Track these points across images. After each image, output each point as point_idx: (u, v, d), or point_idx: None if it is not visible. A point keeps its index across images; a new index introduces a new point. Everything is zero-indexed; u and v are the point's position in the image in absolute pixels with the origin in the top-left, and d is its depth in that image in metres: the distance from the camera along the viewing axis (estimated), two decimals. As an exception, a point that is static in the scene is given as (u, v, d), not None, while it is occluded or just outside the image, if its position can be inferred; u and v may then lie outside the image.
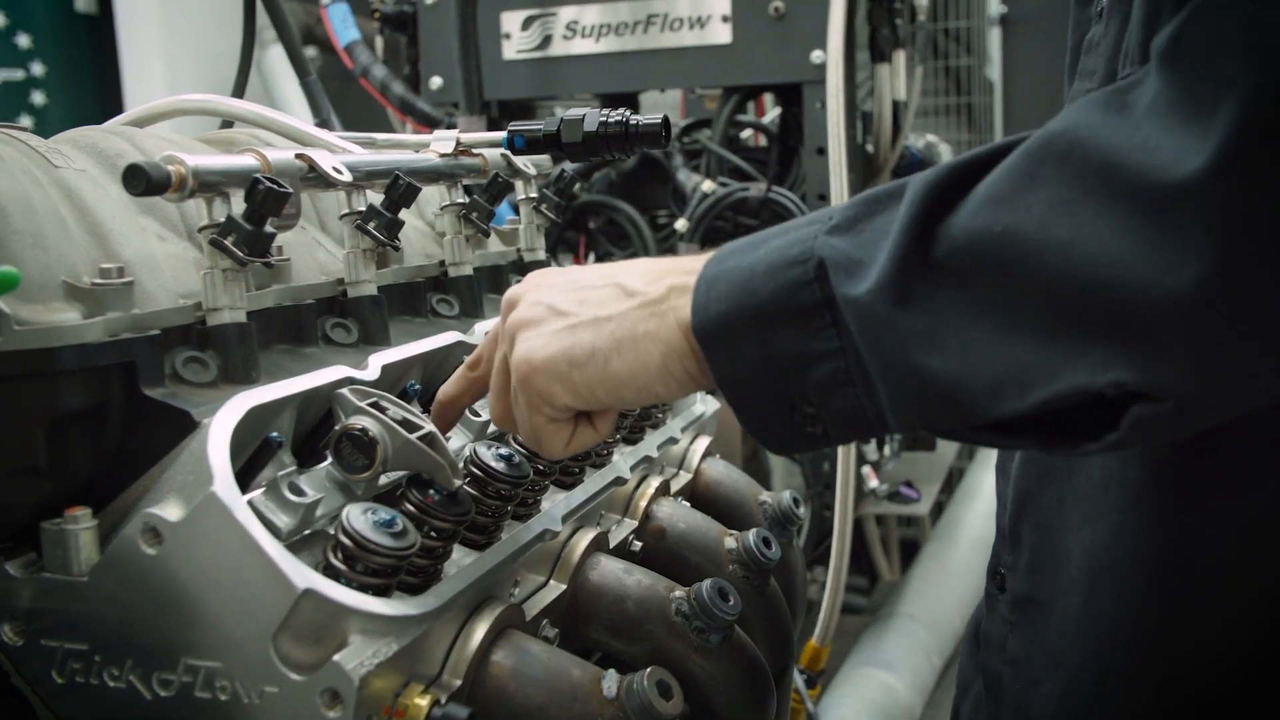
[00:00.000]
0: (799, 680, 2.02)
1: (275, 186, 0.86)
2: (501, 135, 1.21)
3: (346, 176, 0.99)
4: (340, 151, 1.14)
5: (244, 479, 0.83)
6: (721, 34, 2.37)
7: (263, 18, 4.08)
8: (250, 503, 0.81)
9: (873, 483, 2.44)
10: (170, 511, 0.74)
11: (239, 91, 1.73)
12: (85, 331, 0.79)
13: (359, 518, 0.80)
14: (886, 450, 2.51)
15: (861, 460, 2.41)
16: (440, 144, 1.21)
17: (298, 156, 0.96)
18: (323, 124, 1.78)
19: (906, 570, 3.13)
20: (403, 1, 2.67)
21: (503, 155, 1.28)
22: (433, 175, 1.18)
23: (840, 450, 1.99)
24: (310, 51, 4.95)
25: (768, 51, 2.33)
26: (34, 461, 0.80)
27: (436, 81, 2.60)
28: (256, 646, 0.73)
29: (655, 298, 0.78)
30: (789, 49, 2.31)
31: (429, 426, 0.89)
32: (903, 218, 0.67)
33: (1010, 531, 0.99)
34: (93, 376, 0.80)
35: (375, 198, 1.07)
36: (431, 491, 0.88)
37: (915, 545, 3.49)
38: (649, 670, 0.87)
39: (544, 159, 1.44)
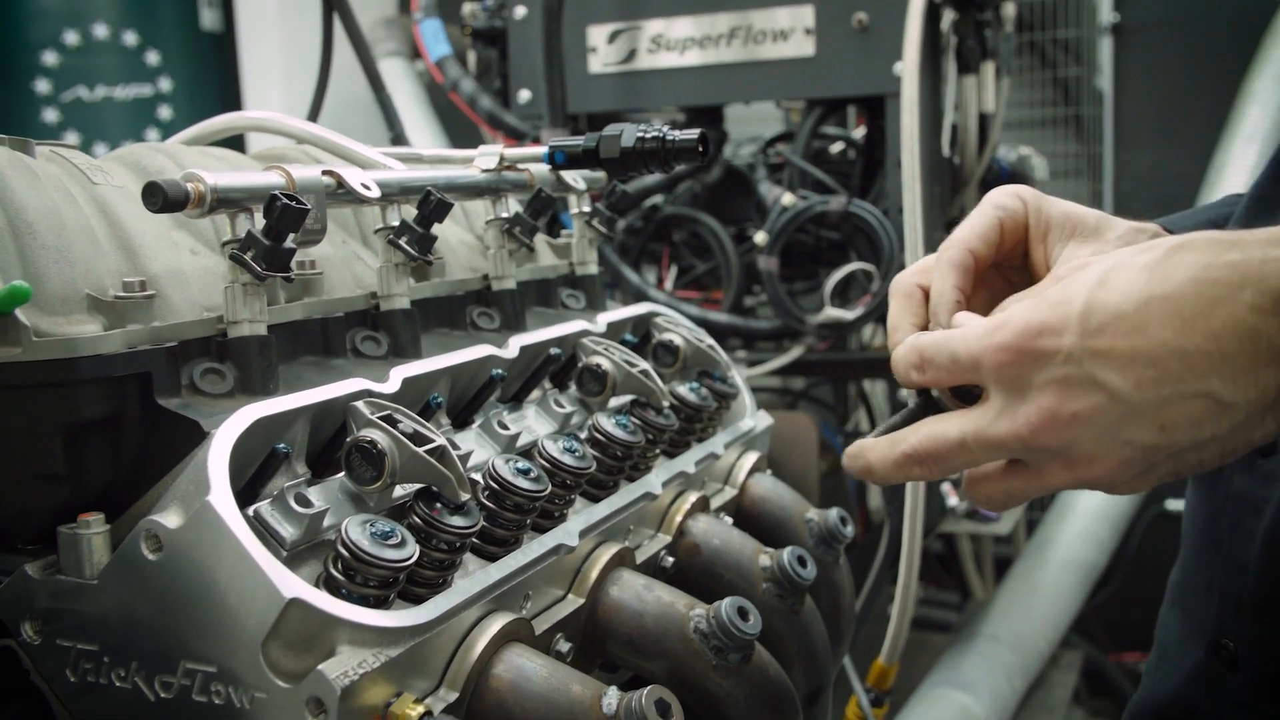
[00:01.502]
0: (864, 699, 1.98)
1: (292, 203, 0.88)
2: (543, 151, 1.22)
3: (375, 193, 1.01)
4: (378, 167, 1.16)
5: (253, 488, 0.85)
6: (805, 46, 2.35)
7: (376, 31, 4.13)
8: (256, 512, 0.83)
9: (952, 500, 2.39)
10: (170, 519, 0.77)
11: (317, 105, 1.78)
12: (102, 343, 0.82)
13: (357, 530, 0.81)
14: (970, 469, 2.45)
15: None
16: (484, 160, 1.23)
17: (325, 173, 0.98)
18: (397, 139, 1.82)
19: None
20: (494, 16, 2.71)
21: (550, 170, 1.29)
22: (474, 190, 1.20)
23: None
24: (419, 65, 5.07)
25: (851, 64, 2.31)
26: (52, 468, 0.83)
27: (525, 95, 2.63)
28: (248, 653, 0.75)
29: (1263, 405, 0.66)
30: (872, 61, 2.27)
31: (439, 440, 0.90)
32: None
33: (1260, 600, 0.89)
34: (109, 387, 0.83)
35: (412, 213, 1.09)
36: (438, 504, 0.89)
37: (1009, 563, 3.41)
38: (649, 689, 0.87)
39: (600, 174, 1.45)
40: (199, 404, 0.87)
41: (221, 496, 0.76)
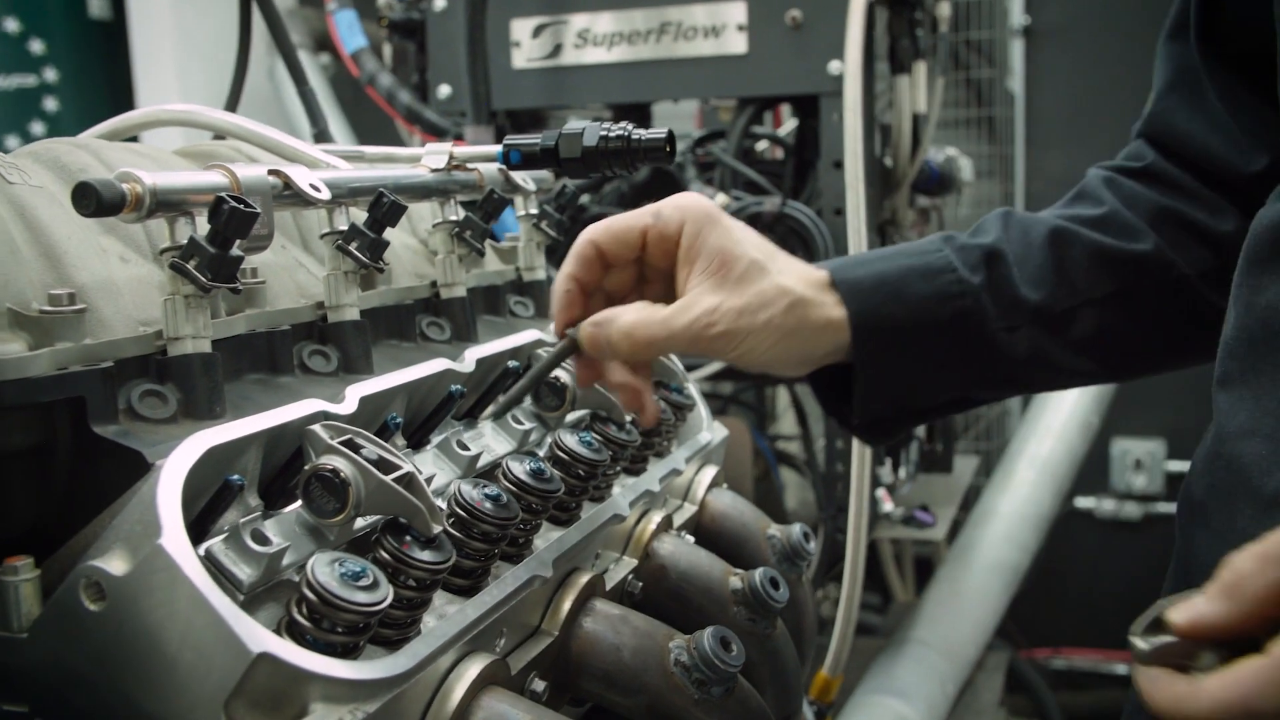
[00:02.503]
0: (808, 712, 1.94)
1: (241, 206, 0.79)
2: (497, 149, 1.14)
3: (325, 194, 0.93)
4: (323, 167, 1.07)
5: (203, 524, 0.76)
6: (737, 43, 2.30)
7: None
8: (209, 552, 0.74)
9: (887, 506, 2.37)
10: (115, 565, 0.68)
11: (233, 100, 1.68)
12: (29, 364, 0.73)
13: (324, 570, 0.73)
14: (902, 473, 2.43)
15: (876, 483, 2.33)
16: (432, 159, 1.15)
17: (271, 172, 0.89)
18: (320, 135, 1.72)
19: (921, 592, 3.05)
20: (411, 8, 2.61)
21: (500, 170, 1.22)
22: (423, 191, 1.12)
23: (854, 472, 1.92)
24: (323, 59, 4.91)
25: (784, 62, 2.26)
26: (-30, 505, 0.73)
27: (445, 90, 2.54)
28: (207, 713, 0.67)
29: None
30: (806, 59, 2.24)
31: (407, 466, 0.82)
32: None
33: None
34: (37, 413, 0.74)
35: (361, 215, 1.01)
36: (408, 538, 0.81)
37: (929, 563, 3.42)
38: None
39: (545, 173, 1.38)
40: (139, 431, 0.78)
41: (175, 538, 0.67)
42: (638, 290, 1.04)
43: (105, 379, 0.77)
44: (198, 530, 0.76)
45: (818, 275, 1.04)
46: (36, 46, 4.74)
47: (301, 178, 0.91)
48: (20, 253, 0.80)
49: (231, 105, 1.65)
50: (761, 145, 2.76)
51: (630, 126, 1.10)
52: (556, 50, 2.45)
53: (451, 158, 1.15)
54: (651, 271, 1.03)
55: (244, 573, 0.74)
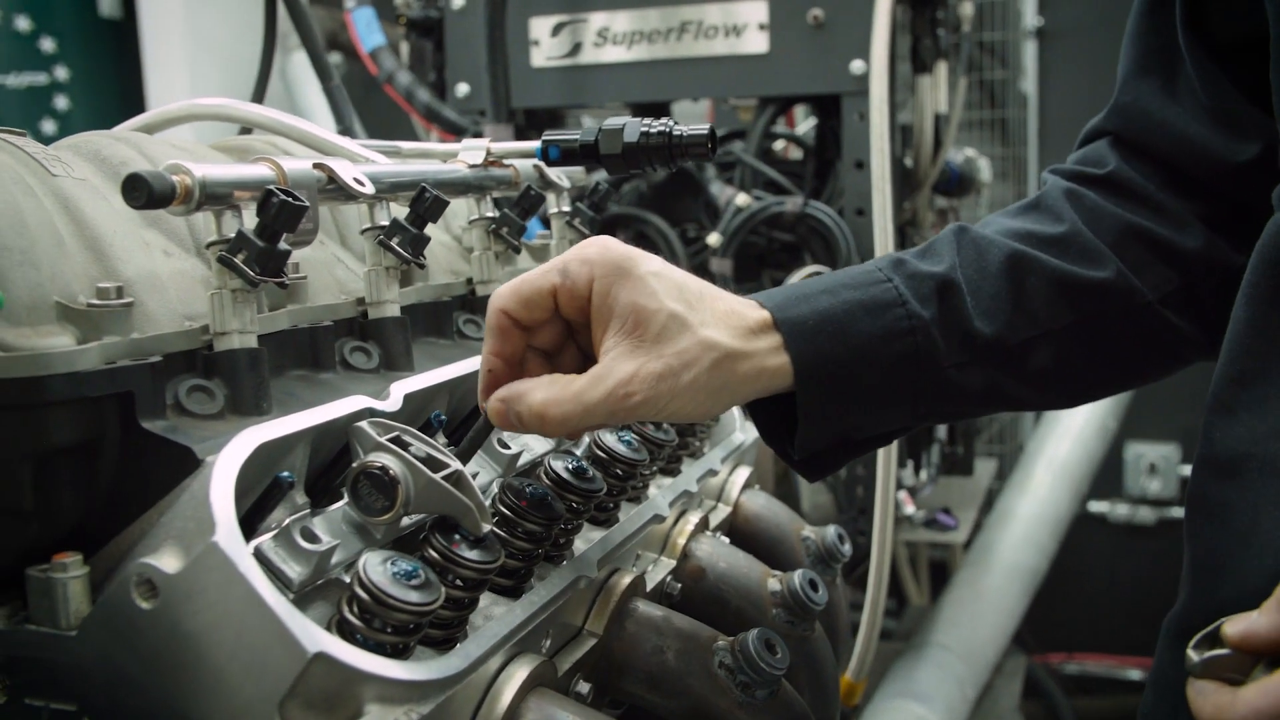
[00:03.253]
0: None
1: (290, 199, 0.78)
2: (534, 145, 1.13)
3: (369, 188, 0.92)
4: (363, 161, 1.06)
5: (251, 522, 0.75)
6: (758, 43, 2.29)
7: (286, 23, 4.01)
8: (258, 550, 0.73)
9: (909, 509, 2.35)
10: (167, 562, 0.67)
11: (258, 97, 1.67)
12: (78, 358, 0.72)
13: (377, 568, 0.72)
14: (923, 475, 2.42)
15: (898, 485, 2.32)
16: (469, 154, 1.13)
17: (316, 166, 0.88)
18: (345, 132, 1.71)
19: (937, 595, 3.03)
20: (429, 6, 2.60)
21: (535, 167, 1.21)
22: (461, 187, 1.11)
23: (880, 475, 1.91)
24: (335, 58, 4.89)
25: (806, 61, 2.25)
26: (19, 502, 0.72)
27: (463, 88, 2.53)
28: (261, 714, 0.65)
29: None
30: (828, 59, 2.22)
31: (455, 465, 0.81)
32: None
33: None
34: (85, 408, 0.72)
35: (400, 211, 1.00)
36: (458, 537, 0.80)
37: (945, 567, 3.40)
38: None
39: (577, 170, 1.37)
40: (187, 426, 0.76)
41: (229, 536, 0.66)
42: (570, 341, 0.94)
43: (153, 374, 0.75)
44: (246, 528, 0.75)
45: (753, 317, 0.94)
46: (47, 45, 4.73)
47: (345, 171, 0.90)
48: (66, 245, 0.79)
49: (258, 101, 1.64)
50: (778, 145, 2.75)
51: (671, 123, 1.09)
52: (576, 49, 2.44)
53: (489, 154, 1.14)
54: (577, 324, 0.92)
55: (294, 571, 0.73)
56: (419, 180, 0.98)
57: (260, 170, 0.83)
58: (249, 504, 0.75)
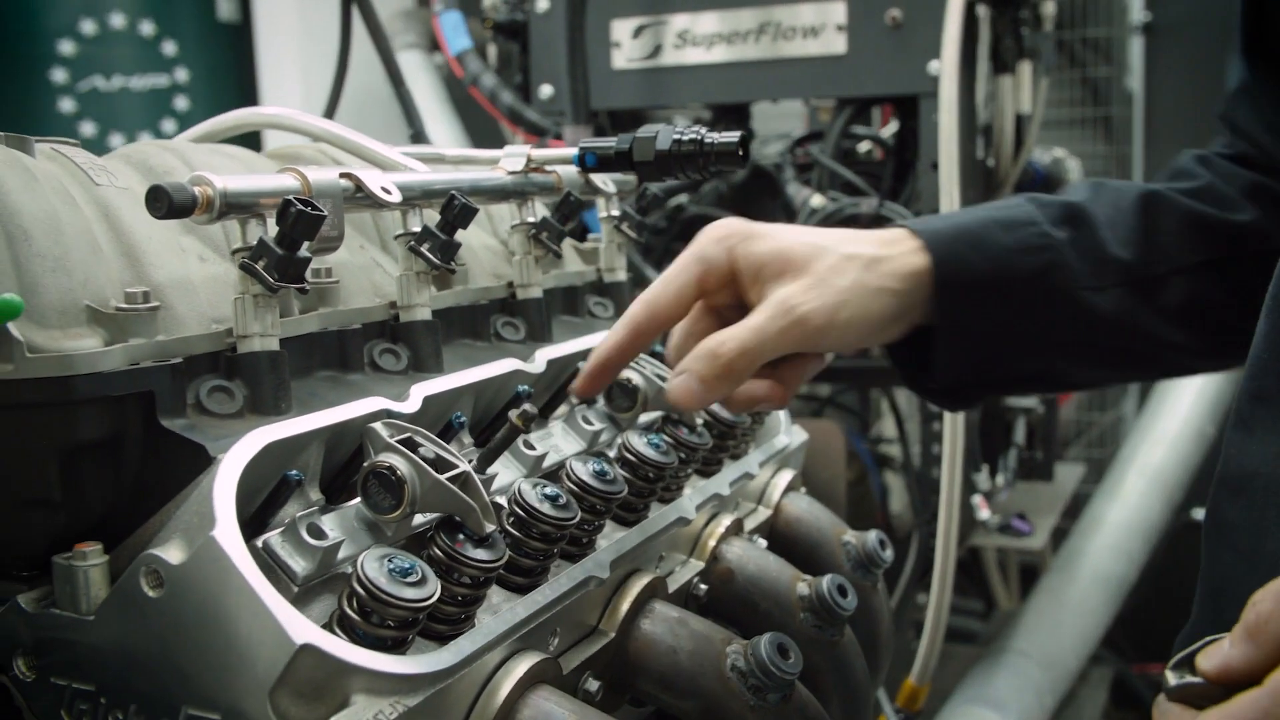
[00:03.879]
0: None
1: (307, 209, 0.82)
2: (573, 152, 1.15)
3: (396, 197, 0.95)
4: (401, 169, 1.10)
5: (263, 517, 0.79)
6: (836, 44, 2.28)
7: (394, 23, 4.07)
8: (266, 544, 0.77)
9: (984, 514, 2.32)
10: (172, 554, 0.71)
11: (333, 103, 1.72)
12: (101, 359, 0.76)
13: (374, 565, 0.75)
14: (999, 479, 2.38)
15: (972, 489, 2.29)
16: (510, 161, 1.16)
17: (343, 175, 0.92)
18: (416, 135, 1.76)
19: (1024, 601, 2.98)
20: (515, 9, 2.65)
21: (580, 173, 1.23)
22: (499, 194, 1.14)
23: (944, 477, 1.89)
24: (438, 59, 5.00)
25: (883, 62, 2.23)
26: (47, 493, 0.77)
27: (546, 90, 2.56)
28: (255, 701, 0.69)
29: None
30: (905, 59, 2.20)
31: (463, 466, 0.84)
32: None
33: None
34: (109, 406, 0.77)
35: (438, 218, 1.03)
36: (461, 536, 0.82)
37: (1035, 571, 3.34)
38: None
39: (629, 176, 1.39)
40: (205, 425, 0.81)
41: (227, 531, 0.70)
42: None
43: (174, 374, 0.80)
44: (258, 523, 0.79)
45: (889, 234, 1.02)
46: (169, 48, 4.92)
47: (373, 180, 0.93)
48: (102, 252, 0.83)
49: (330, 108, 1.70)
50: (865, 146, 2.73)
51: (703, 130, 1.10)
52: (656, 50, 2.45)
53: (529, 160, 1.16)
54: (722, 308, 1.02)
55: (299, 565, 0.76)
56: (449, 188, 1.01)
57: (284, 180, 0.86)
58: (261, 500, 0.79)
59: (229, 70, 5.20)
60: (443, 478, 0.81)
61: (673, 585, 1.06)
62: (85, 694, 0.75)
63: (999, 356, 1.06)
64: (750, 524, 1.23)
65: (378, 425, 0.83)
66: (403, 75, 1.75)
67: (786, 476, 1.32)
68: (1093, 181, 1.12)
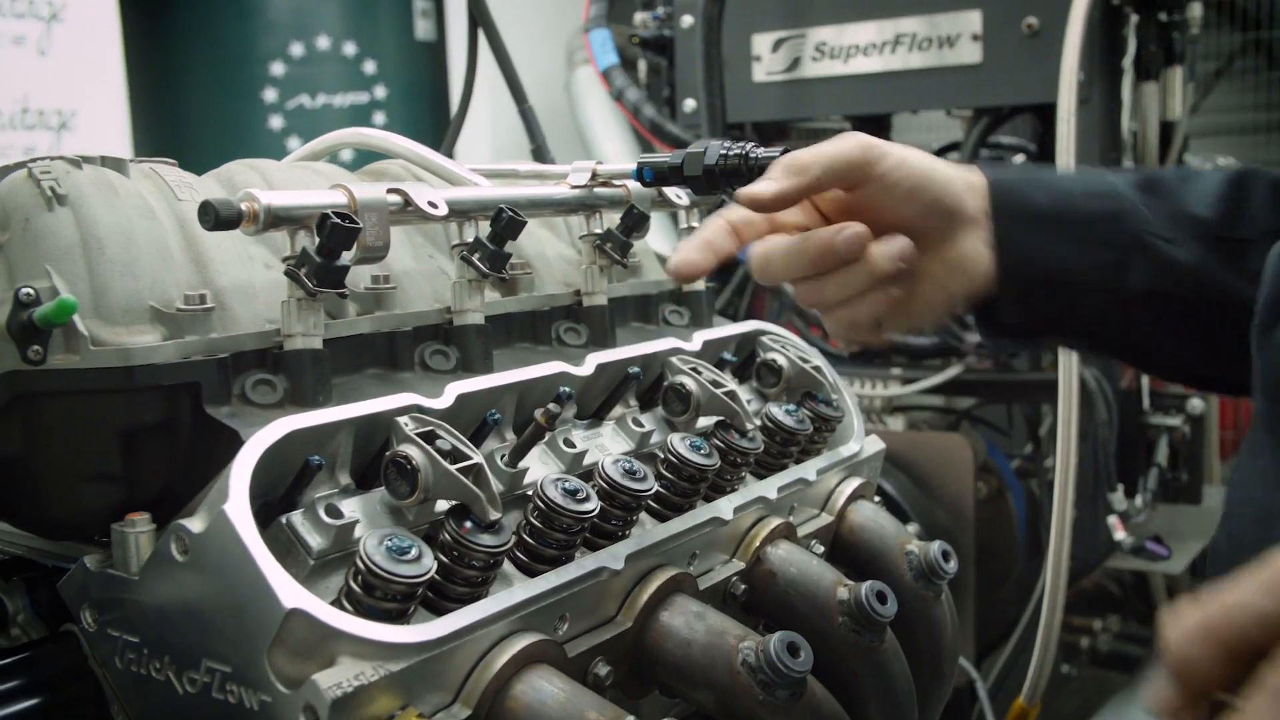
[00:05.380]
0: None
1: (343, 222, 0.91)
2: (633, 167, 1.21)
3: (442, 210, 1.03)
4: (468, 184, 1.18)
5: (290, 497, 0.88)
6: (972, 53, 2.26)
7: (576, 39, 4.17)
8: (289, 521, 0.86)
9: (1119, 535, 2.25)
10: (195, 524, 0.81)
11: (461, 115, 1.83)
12: (155, 353, 0.87)
13: (373, 544, 0.83)
14: (1138, 500, 2.30)
15: (1108, 510, 2.22)
16: (576, 176, 1.23)
17: (390, 190, 1.00)
18: (538, 150, 1.85)
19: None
20: (664, 25, 2.73)
21: (644, 186, 1.29)
22: (561, 207, 1.21)
23: (1056, 492, 1.85)
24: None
25: (1020, 70, 2.21)
26: (109, 468, 0.88)
27: (690, 104, 2.64)
28: (255, 659, 0.78)
29: None
30: (1042, 67, 2.17)
31: (476, 458, 0.91)
32: None
33: None
34: (162, 394, 0.88)
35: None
36: (469, 522, 0.90)
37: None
38: (664, 721, 0.85)
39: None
40: (246, 414, 0.91)
41: (238, 506, 0.79)
42: None
43: (220, 368, 0.90)
44: (286, 503, 0.88)
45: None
46: (369, 67, 5.23)
47: (420, 195, 1.02)
48: (172, 259, 0.95)
49: (459, 120, 1.80)
50: (1019, 158, 2.69)
51: (749, 145, 1.14)
52: (795, 63, 2.49)
53: (595, 175, 1.23)
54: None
55: (315, 541, 0.85)
56: (499, 202, 1.08)
57: (329, 195, 0.96)
58: (289, 482, 0.88)
59: (424, 87, 5.48)
60: (453, 468, 0.89)
61: (708, 583, 1.11)
62: (132, 644, 0.86)
63: (1063, 297, 1.04)
64: (807, 529, 1.26)
65: (404, 418, 0.92)
66: (524, 93, 1.84)
67: (853, 484, 1.34)
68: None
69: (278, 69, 5.08)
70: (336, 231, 0.91)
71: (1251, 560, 0.82)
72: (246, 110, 5.10)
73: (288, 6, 5.08)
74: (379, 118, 5.30)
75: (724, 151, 1.14)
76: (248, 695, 0.79)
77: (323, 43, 5.17)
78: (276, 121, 5.11)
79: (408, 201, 1.02)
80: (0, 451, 0.87)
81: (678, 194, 1.35)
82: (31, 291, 0.85)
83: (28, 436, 0.88)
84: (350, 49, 5.20)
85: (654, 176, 1.20)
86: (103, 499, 0.89)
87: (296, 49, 5.12)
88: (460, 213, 1.07)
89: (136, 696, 0.87)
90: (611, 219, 1.28)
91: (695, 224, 1.40)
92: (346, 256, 0.94)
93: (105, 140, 4.28)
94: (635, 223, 1.25)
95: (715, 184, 1.16)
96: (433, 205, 1.03)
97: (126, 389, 0.86)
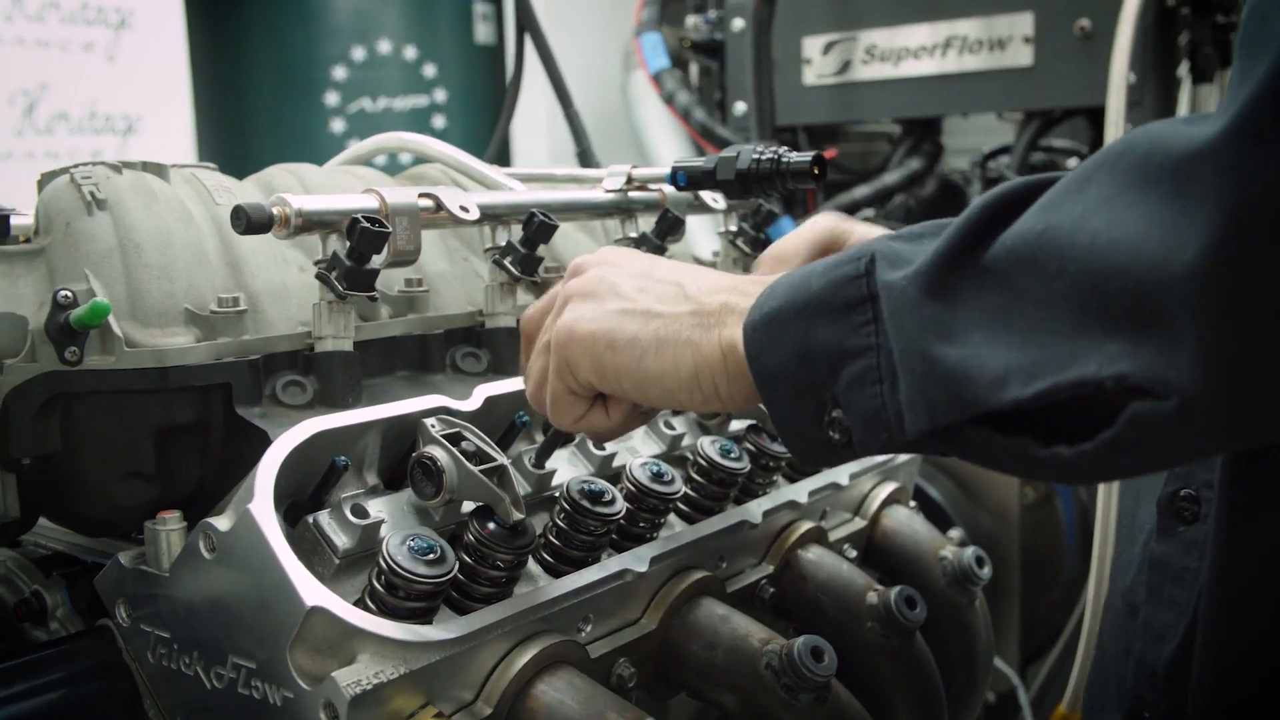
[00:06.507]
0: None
1: (371, 226, 0.92)
2: (667, 171, 1.22)
3: (473, 215, 1.05)
4: (503, 189, 1.20)
5: (318, 497, 0.90)
6: (1023, 56, 2.24)
7: (630, 43, 4.20)
8: (315, 520, 0.88)
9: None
10: (223, 522, 0.82)
11: (508, 117, 1.85)
12: (187, 354, 0.89)
13: (396, 545, 0.84)
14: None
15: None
16: (611, 180, 1.24)
17: (422, 195, 1.02)
18: (584, 153, 1.86)
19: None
20: (715, 29, 2.73)
21: (679, 190, 1.29)
22: (593, 211, 1.22)
23: (1100, 501, 1.82)
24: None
25: (1071, 73, 2.18)
26: (144, 467, 0.91)
27: (740, 107, 2.63)
28: (279, 653, 0.80)
29: (708, 309, 0.81)
30: (1094, 70, 2.13)
31: (500, 460, 0.92)
32: (958, 222, 0.67)
33: (1177, 671, 0.85)
34: (195, 395, 0.90)
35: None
36: (491, 523, 0.91)
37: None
38: (681, 724, 0.86)
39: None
40: (276, 414, 0.92)
41: (262, 505, 0.80)
42: None
43: (251, 369, 0.92)
44: (314, 502, 0.90)
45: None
46: (429, 71, 5.28)
47: (451, 200, 1.03)
48: (209, 262, 0.97)
49: (498, 143, 1.82)
50: (1072, 161, 2.65)
51: (782, 150, 1.14)
52: (845, 66, 2.48)
53: (630, 179, 1.24)
54: None
55: (341, 540, 0.87)
56: (530, 206, 1.09)
57: (361, 200, 0.97)
58: (316, 483, 0.90)
59: (484, 89, 5.52)
60: (477, 470, 0.90)
61: (736, 586, 1.11)
62: (164, 640, 0.88)
63: None
64: (840, 533, 1.26)
65: (430, 420, 0.93)
66: (570, 97, 1.85)
67: (888, 489, 1.34)
68: None
69: (339, 73, 5.15)
70: (365, 235, 0.92)
71: (1127, 535, 0.88)
72: (309, 114, 5.17)
73: (350, 11, 5.15)
74: (439, 121, 5.35)
75: (756, 156, 1.15)
76: (271, 691, 0.81)
77: (384, 47, 5.24)
78: (338, 125, 5.18)
79: (439, 205, 1.04)
80: (39, 449, 0.90)
81: (714, 198, 1.35)
82: (69, 294, 0.88)
83: (65, 435, 0.90)
84: (411, 53, 5.26)
85: (688, 180, 1.20)
86: (137, 496, 0.91)
87: (358, 53, 5.18)
88: (492, 216, 1.08)
89: (168, 691, 0.89)
90: (647, 223, 1.29)
91: (733, 227, 1.40)
92: (377, 260, 0.95)
93: (170, 144, 4.37)
94: (670, 226, 1.26)
95: (748, 188, 1.16)
96: (464, 209, 1.04)
97: (160, 389, 0.89)
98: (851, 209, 2.50)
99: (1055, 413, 0.61)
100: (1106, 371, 0.57)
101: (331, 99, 5.12)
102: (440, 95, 5.37)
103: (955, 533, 2.04)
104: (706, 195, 1.34)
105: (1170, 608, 0.87)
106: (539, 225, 1.09)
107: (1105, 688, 0.97)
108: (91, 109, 4.38)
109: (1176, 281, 0.54)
